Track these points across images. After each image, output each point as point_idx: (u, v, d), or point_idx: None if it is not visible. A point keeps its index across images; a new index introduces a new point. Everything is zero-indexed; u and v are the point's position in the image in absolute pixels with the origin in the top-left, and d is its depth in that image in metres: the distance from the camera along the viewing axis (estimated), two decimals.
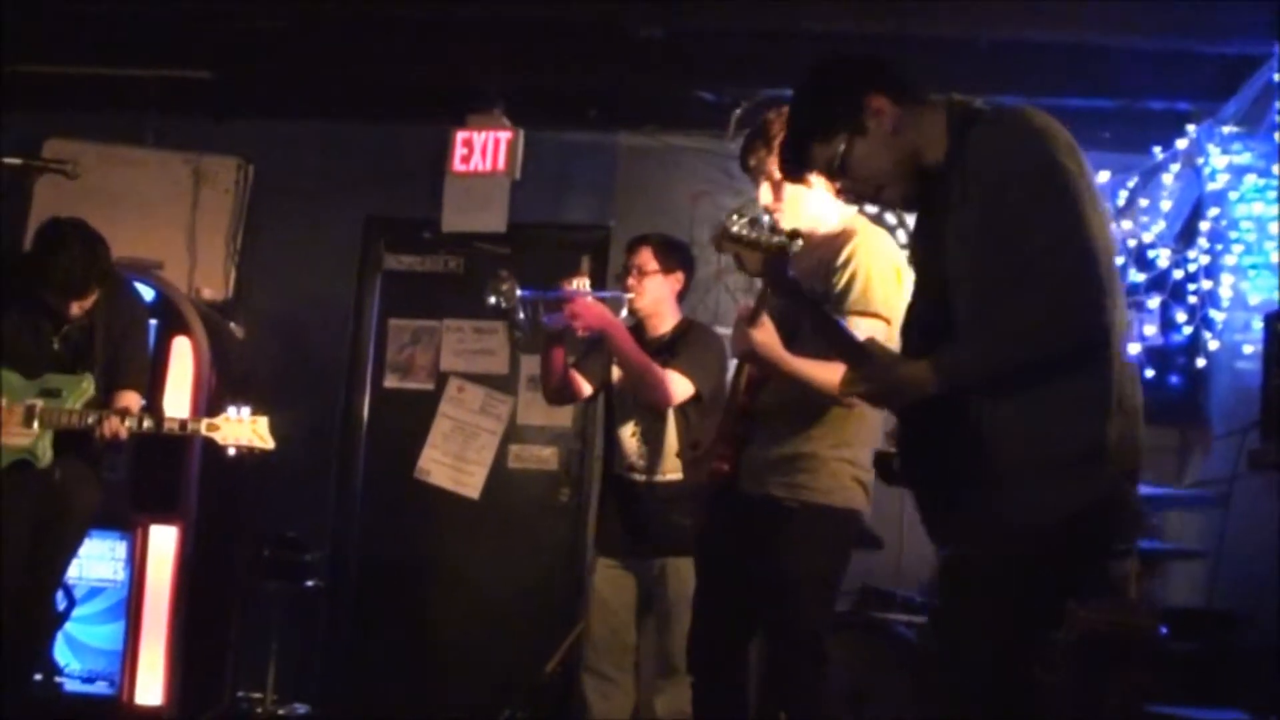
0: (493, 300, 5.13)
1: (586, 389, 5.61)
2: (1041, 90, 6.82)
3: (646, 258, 5.49)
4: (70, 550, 5.92)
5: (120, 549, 6.82)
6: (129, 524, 6.79)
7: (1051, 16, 6.20)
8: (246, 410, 5.67)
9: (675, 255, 5.59)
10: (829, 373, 3.68)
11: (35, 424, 5.58)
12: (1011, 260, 3.03)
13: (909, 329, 3.42)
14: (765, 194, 4.44)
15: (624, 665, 5.54)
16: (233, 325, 7.66)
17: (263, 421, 5.65)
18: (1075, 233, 3.04)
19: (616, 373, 5.50)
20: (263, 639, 6.93)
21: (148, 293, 6.93)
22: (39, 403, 5.59)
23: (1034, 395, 3.04)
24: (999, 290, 3.05)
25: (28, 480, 5.61)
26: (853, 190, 3.51)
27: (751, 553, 4.24)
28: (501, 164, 7.40)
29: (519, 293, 5.12)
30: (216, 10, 6.93)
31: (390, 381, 8.06)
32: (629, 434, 5.48)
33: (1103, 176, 7.12)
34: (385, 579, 7.86)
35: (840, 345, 3.43)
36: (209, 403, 6.89)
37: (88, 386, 5.67)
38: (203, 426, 5.62)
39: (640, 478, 5.44)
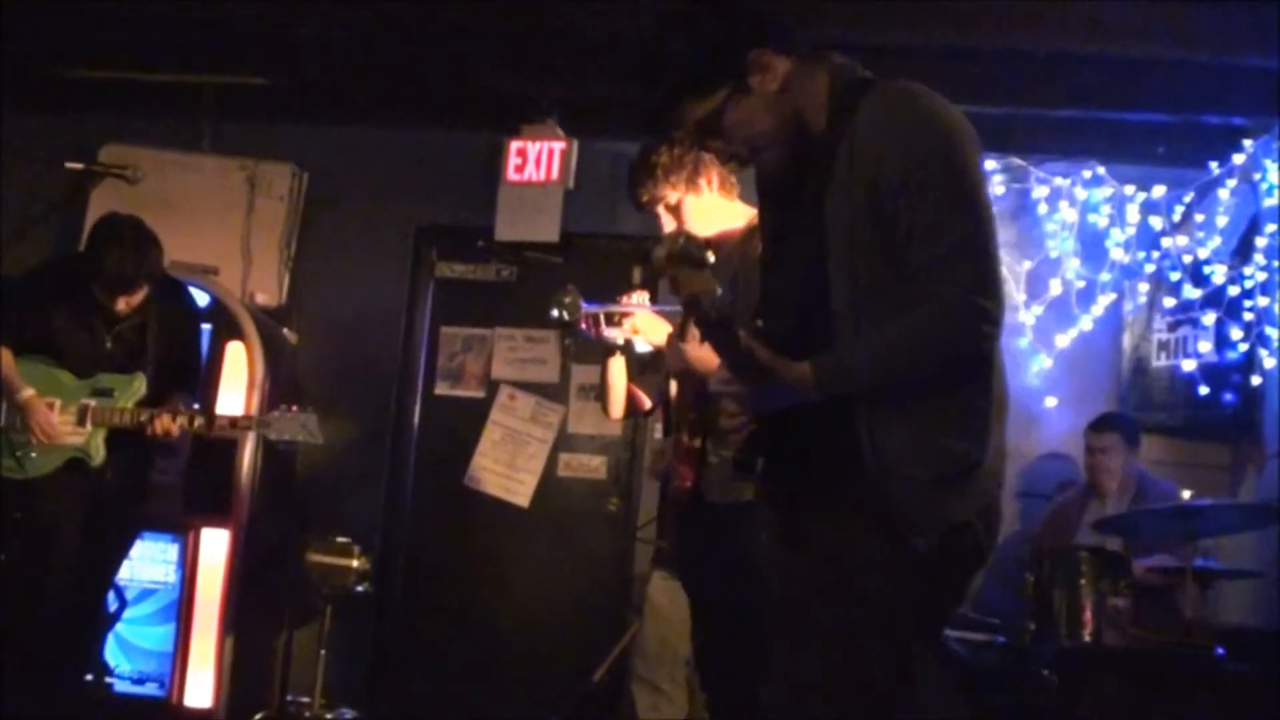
0: (556, 313, 5.09)
1: (646, 403, 5.59)
2: (1098, 103, 6.83)
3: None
4: (121, 551, 5.97)
5: (172, 551, 6.88)
6: (181, 526, 6.85)
7: (1107, 30, 6.16)
8: (295, 408, 5.74)
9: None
10: None
11: (88, 423, 5.62)
12: (909, 261, 2.85)
13: (773, 305, 3.11)
14: (667, 222, 4.50)
15: (676, 677, 5.50)
16: (286, 331, 7.70)
17: (312, 418, 5.69)
18: (984, 237, 2.88)
19: (674, 386, 5.48)
20: (312, 643, 6.94)
21: (202, 298, 6.98)
22: (91, 402, 5.63)
23: (919, 405, 2.86)
24: (893, 293, 2.86)
25: (80, 479, 5.66)
26: (725, 153, 3.21)
27: (733, 561, 4.21)
28: (555, 174, 7.40)
29: (583, 306, 5.11)
30: (273, 17, 6.97)
31: (441, 389, 8.08)
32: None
33: (1158, 191, 7.13)
34: (434, 585, 7.88)
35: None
36: (262, 407, 6.92)
37: (139, 386, 5.70)
38: (254, 423, 5.76)
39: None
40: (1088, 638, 5.37)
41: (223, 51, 7.33)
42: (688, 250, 2.90)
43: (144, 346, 5.73)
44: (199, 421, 5.64)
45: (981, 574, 3.13)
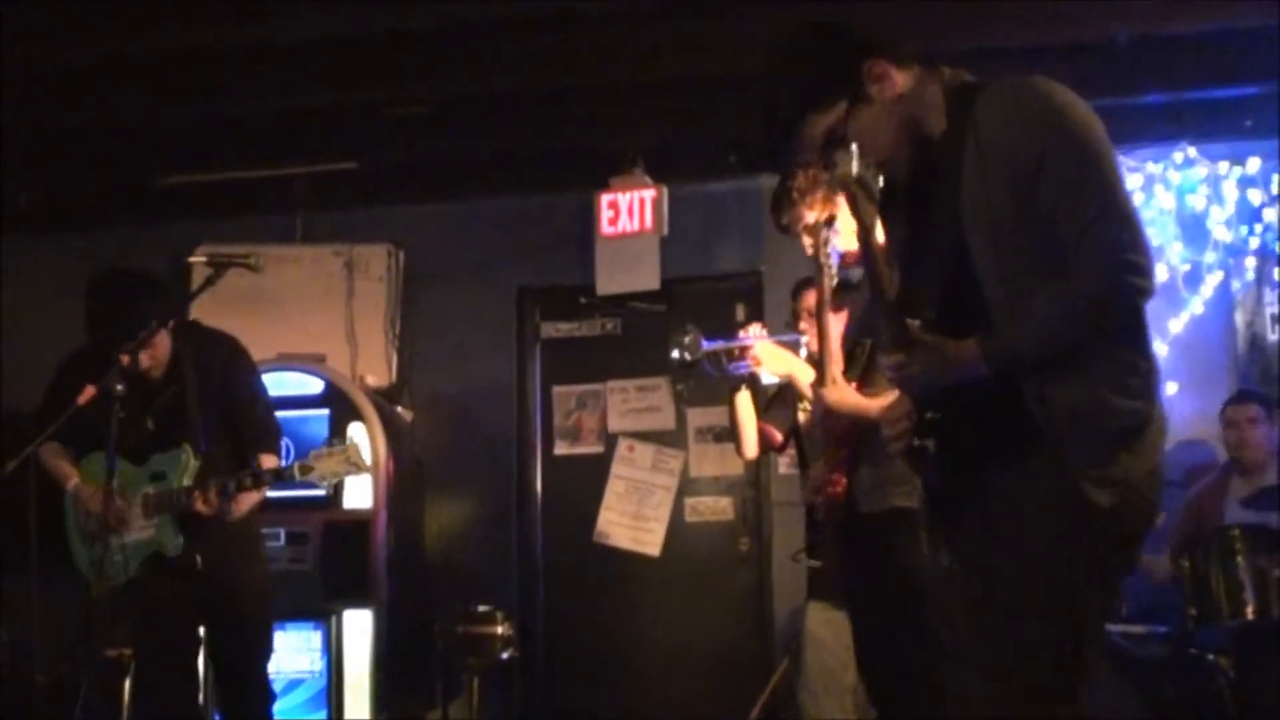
0: (677, 355, 5.09)
1: (778, 437, 5.58)
2: (1183, 84, 6.79)
3: (814, 299, 5.46)
4: (251, 631, 5.42)
5: (315, 639, 6.89)
6: (322, 613, 6.87)
7: (1189, 6, 6.12)
8: (336, 442, 5.27)
9: (843, 293, 5.55)
10: None
11: (152, 513, 5.20)
12: (1058, 232, 2.91)
13: (915, 303, 3.12)
14: (807, 244, 4.53)
15: (845, 707, 5.46)
16: (399, 409, 7.73)
17: (355, 447, 5.20)
18: (1126, 199, 2.95)
19: (803, 416, 5.47)
20: (464, 714, 6.95)
21: (316, 384, 7.06)
22: (150, 489, 5.20)
23: (1085, 366, 2.91)
24: (1043, 267, 2.93)
25: (169, 573, 5.22)
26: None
27: (891, 569, 4.20)
28: (649, 223, 7.45)
29: (703, 344, 5.11)
30: (353, 101, 7.05)
31: (560, 449, 8.12)
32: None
33: (1253, 165, 7.09)
34: (575, 643, 7.89)
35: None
36: (389, 487, 6.97)
37: (187, 459, 5.21)
38: (296, 470, 5.13)
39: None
40: (1251, 615, 5.29)
41: (308, 140, 7.43)
42: (867, 180, 3.06)
43: (183, 414, 5.26)
44: (249, 483, 5.12)
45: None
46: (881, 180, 3.10)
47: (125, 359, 4.92)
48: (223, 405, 5.33)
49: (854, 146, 3.06)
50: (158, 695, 5.27)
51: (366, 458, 6.79)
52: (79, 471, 5.31)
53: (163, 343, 5.17)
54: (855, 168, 3.04)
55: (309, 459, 5.13)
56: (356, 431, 6.96)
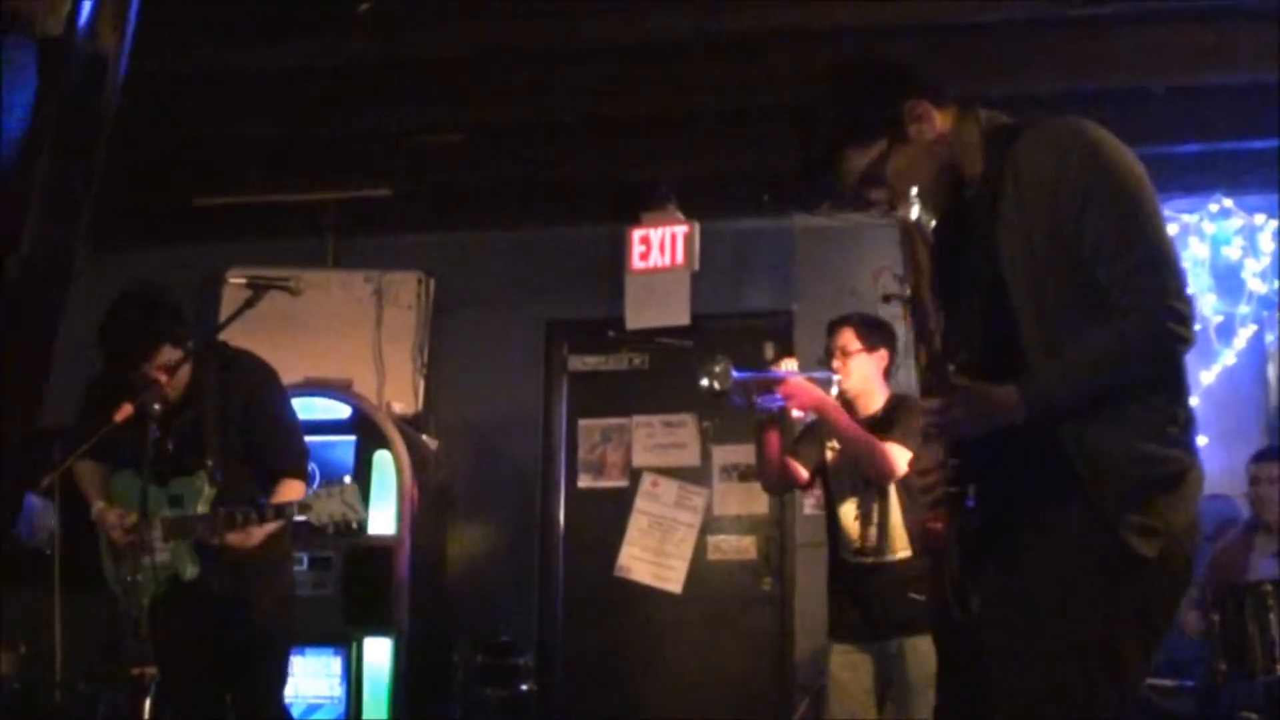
0: (706, 383, 5.08)
1: (803, 474, 5.55)
2: (1219, 135, 6.79)
3: (849, 338, 5.44)
4: (266, 658, 5.34)
5: (335, 665, 6.87)
6: (343, 639, 6.84)
7: (1225, 58, 6.11)
8: (334, 484, 5.12)
9: (878, 333, 5.53)
10: None
11: (171, 538, 5.09)
12: (1100, 276, 2.87)
13: (953, 346, 3.07)
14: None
15: None
16: (425, 437, 7.73)
17: (351, 489, 5.07)
18: (1169, 245, 2.90)
19: (830, 454, 5.46)
20: None
21: (343, 410, 7.05)
22: (167, 513, 5.09)
23: (1125, 414, 2.87)
24: (1083, 311, 2.89)
25: (185, 599, 5.12)
26: (885, 202, 3.16)
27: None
28: (680, 258, 7.43)
29: (733, 375, 5.09)
30: (387, 128, 7.08)
31: (584, 482, 8.10)
32: (850, 515, 5.40)
33: None
34: (594, 678, 7.83)
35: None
36: (413, 514, 6.96)
37: (202, 485, 5.11)
38: (294, 509, 5.04)
39: (868, 559, 5.35)
40: None
41: (342, 166, 7.47)
42: (924, 225, 3.05)
43: (200, 437, 5.12)
44: (252, 517, 5.00)
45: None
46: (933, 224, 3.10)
47: (158, 375, 4.87)
48: (246, 428, 5.23)
49: (913, 190, 3.03)
50: (178, 717, 5.24)
51: (392, 487, 6.89)
52: (110, 487, 5.23)
53: (172, 360, 5.00)
54: (915, 211, 3.02)
55: (309, 498, 5.04)
56: (382, 459, 6.98)
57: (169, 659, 5.15)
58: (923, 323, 3.14)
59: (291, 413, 5.45)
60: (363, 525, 5.11)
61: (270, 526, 5.08)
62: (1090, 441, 2.88)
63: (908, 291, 3.26)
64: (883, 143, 3.09)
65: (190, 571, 5.10)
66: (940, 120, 3.12)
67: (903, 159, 3.09)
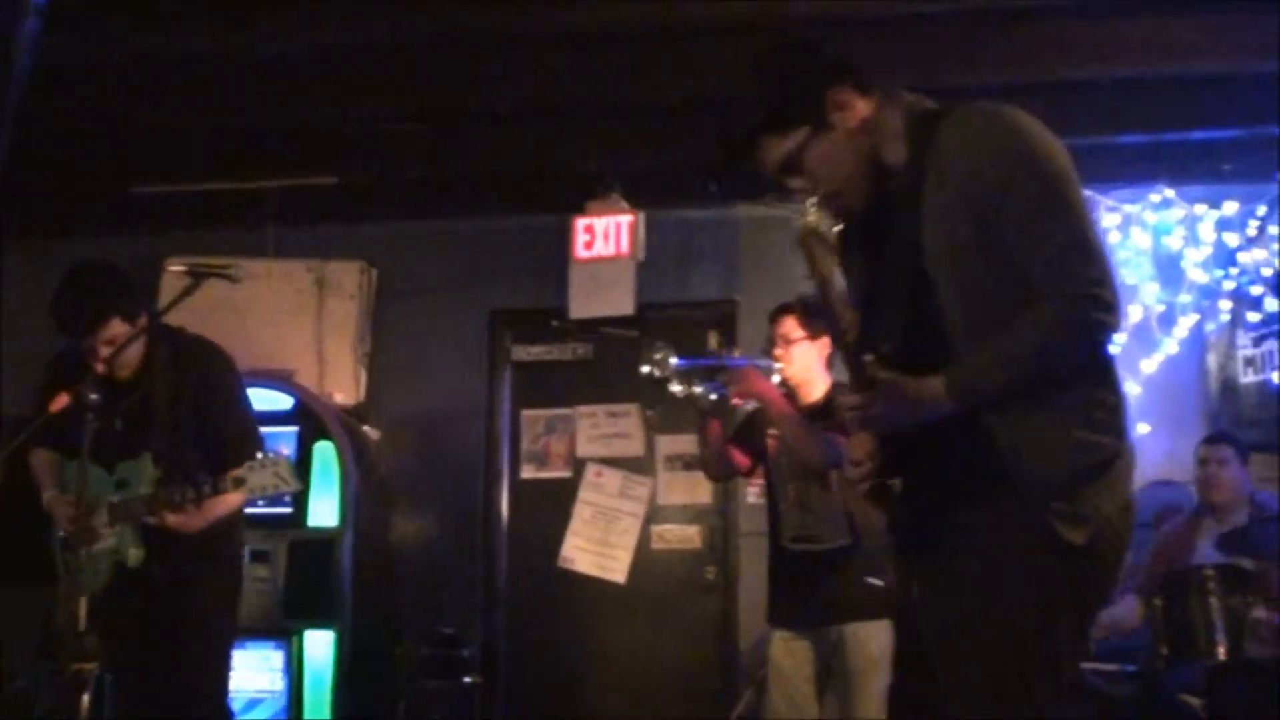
0: (646, 370, 5.07)
1: (745, 461, 5.55)
2: (1162, 126, 6.81)
3: (791, 326, 5.43)
4: (207, 647, 5.19)
5: (276, 658, 6.83)
6: (284, 632, 6.80)
7: (1169, 50, 6.15)
8: (266, 456, 4.99)
9: (820, 320, 5.54)
10: None
11: (115, 522, 5.02)
12: (1021, 263, 2.86)
13: (877, 337, 3.03)
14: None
15: None
16: (366, 428, 7.69)
17: (282, 461, 4.95)
18: (1091, 231, 2.90)
19: (771, 442, 5.45)
20: None
21: (285, 401, 7.00)
22: (114, 497, 5.01)
23: (1052, 401, 2.86)
24: (1007, 298, 2.87)
25: (129, 585, 5.01)
26: (805, 190, 3.09)
27: None
28: (625, 247, 7.40)
29: (673, 362, 5.07)
30: (329, 116, 7.02)
31: (527, 472, 8.07)
32: (789, 502, 5.41)
33: (1229, 208, 7.11)
34: (538, 669, 7.82)
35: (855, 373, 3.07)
36: (355, 505, 6.92)
37: (147, 466, 5.02)
38: (229, 482, 4.90)
39: (806, 547, 5.36)
40: (1224, 655, 5.30)
41: (282, 154, 7.39)
42: (824, 232, 3.00)
43: (150, 419, 5.05)
44: (190, 495, 4.89)
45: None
46: (839, 224, 3.05)
47: (103, 348, 4.82)
48: (197, 412, 5.14)
49: (810, 202, 3.00)
50: (123, 709, 5.13)
51: (334, 477, 6.84)
52: (64, 474, 5.14)
53: (119, 335, 4.92)
54: (812, 219, 2.98)
55: (242, 471, 4.89)
56: (324, 449, 6.93)
57: (114, 647, 5.12)
58: (835, 327, 3.14)
59: (244, 399, 5.34)
60: (295, 495, 5.18)
61: (217, 509, 4.98)
62: (1016, 430, 2.87)
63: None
64: (803, 131, 3.02)
65: (134, 556, 4.99)
66: (864, 108, 3.07)
67: (823, 147, 3.03)
